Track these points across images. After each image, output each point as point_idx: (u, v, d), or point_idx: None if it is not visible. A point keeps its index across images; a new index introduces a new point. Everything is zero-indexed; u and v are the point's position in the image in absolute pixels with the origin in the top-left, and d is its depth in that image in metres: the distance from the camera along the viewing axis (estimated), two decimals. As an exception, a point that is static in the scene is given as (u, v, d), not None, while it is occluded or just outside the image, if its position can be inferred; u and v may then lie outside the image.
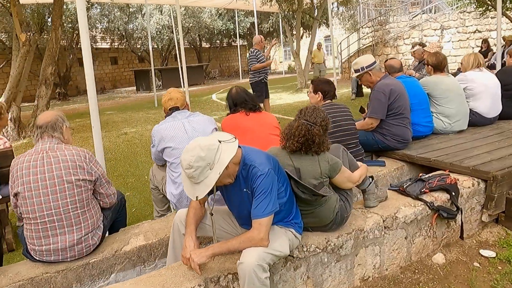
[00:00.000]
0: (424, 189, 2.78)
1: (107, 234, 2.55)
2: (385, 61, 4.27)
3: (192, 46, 24.34)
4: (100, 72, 21.46)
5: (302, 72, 13.07)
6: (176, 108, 2.87)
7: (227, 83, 20.61)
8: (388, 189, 2.96)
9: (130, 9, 18.00)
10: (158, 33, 18.41)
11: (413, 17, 16.03)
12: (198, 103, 12.31)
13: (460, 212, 2.79)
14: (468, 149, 3.55)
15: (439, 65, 4.22)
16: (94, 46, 18.72)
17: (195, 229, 2.10)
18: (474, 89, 4.36)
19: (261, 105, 7.55)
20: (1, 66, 14.41)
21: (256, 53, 7.32)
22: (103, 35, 19.24)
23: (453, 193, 2.77)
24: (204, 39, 24.82)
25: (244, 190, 1.96)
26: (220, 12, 21.60)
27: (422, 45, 6.67)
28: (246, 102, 3.06)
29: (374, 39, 16.09)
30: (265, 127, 2.98)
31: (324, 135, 2.20)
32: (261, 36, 7.56)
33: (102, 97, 17.73)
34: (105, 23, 18.06)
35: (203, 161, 1.77)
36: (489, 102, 4.35)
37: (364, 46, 16.72)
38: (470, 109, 4.39)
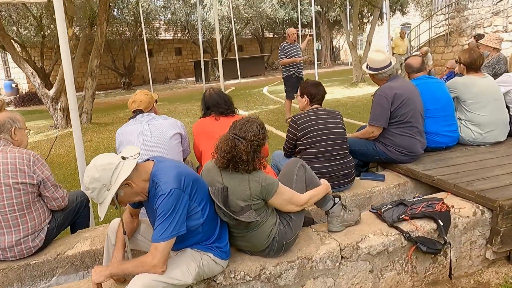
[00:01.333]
0: (403, 215, 2.35)
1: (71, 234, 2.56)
2: (404, 60, 3.72)
3: (255, 36, 24.29)
4: (164, 62, 22.50)
5: (359, 65, 12.25)
6: (140, 111, 2.77)
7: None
8: (369, 210, 2.58)
9: (191, 1, 18.47)
10: (219, 22, 18.70)
11: (498, 2, 14.10)
12: (244, 96, 12.24)
13: (448, 246, 2.32)
14: (491, 167, 2.95)
15: (473, 64, 3.56)
16: (158, 37, 19.58)
17: (122, 245, 1.99)
18: (519, 93, 3.63)
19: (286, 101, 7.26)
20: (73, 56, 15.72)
21: (284, 47, 6.99)
22: (166, 26, 20.02)
23: (441, 223, 2.30)
24: (269, 28, 24.63)
25: (155, 208, 1.80)
26: (283, 1, 21.19)
27: (479, 37, 5.77)
28: (217, 106, 2.86)
29: (449, 27, 14.50)
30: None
31: (254, 152, 1.92)
32: (293, 28, 7.18)
33: (163, 87, 18.58)
34: (168, 15, 18.77)
35: (98, 182, 1.66)
36: (538, 109, 3.59)
37: (436, 36, 15.18)
38: (514, 117, 3.68)
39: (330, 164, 2.83)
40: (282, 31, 25.05)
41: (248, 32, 23.09)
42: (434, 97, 3.40)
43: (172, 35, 20.45)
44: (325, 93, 3.03)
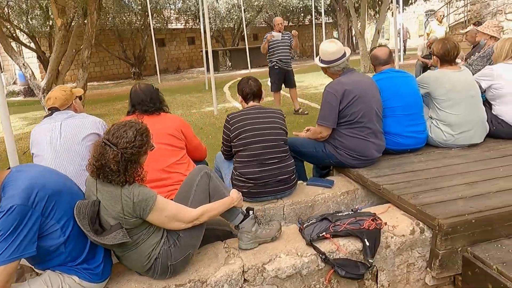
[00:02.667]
0: (324, 233, 2.05)
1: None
2: (370, 50, 3.35)
3: (269, 25, 23.73)
4: (177, 52, 22.36)
5: (367, 54, 11.68)
6: (56, 109, 2.56)
7: (303, 64, 19.69)
8: (298, 224, 2.29)
9: (201, -11, 18.17)
10: (228, 12, 18.31)
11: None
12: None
13: (375, 269, 2.01)
14: (452, 175, 2.59)
15: (447, 56, 3.15)
16: (168, 27, 19.43)
17: None
18: (501, 89, 3.20)
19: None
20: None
21: (268, 36, 6.64)
22: (177, 15, 19.81)
23: (367, 243, 1.99)
24: (284, 17, 24.01)
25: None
26: (297, -12, 20.57)
27: (479, 24, 5.23)
28: (142, 103, 2.61)
29: (468, 14, 13.61)
30: (155, 135, 2.49)
31: (128, 162, 1.67)
32: (279, 18, 6.82)
33: (173, 77, 18.50)
34: (179, 4, 18.55)
35: None
36: (522, 107, 3.15)
37: (455, 22, 14.28)
38: (495, 116, 3.26)
39: (263, 169, 2.54)
40: (297, 19, 24.44)
41: (262, 20, 22.57)
42: (398, 93, 3.03)
43: (184, 24, 20.22)
44: (256, 89, 2.72)
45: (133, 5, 15.72)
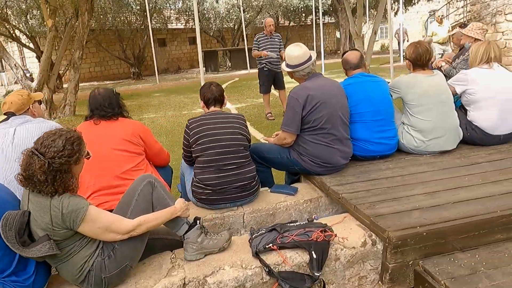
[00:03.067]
0: (271, 244, 1.99)
1: None
2: (343, 55, 3.28)
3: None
4: (178, 52, 22.38)
5: (364, 56, 11.56)
6: (12, 114, 2.53)
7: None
8: (249, 234, 2.23)
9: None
10: (227, 12, 18.27)
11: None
12: (242, 88, 11.88)
13: (321, 283, 1.96)
14: (415, 183, 2.52)
15: (418, 60, 3.08)
16: (168, 27, 19.45)
17: None
18: (475, 94, 3.12)
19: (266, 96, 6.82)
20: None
21: (258, 38, 6.61)
22: (178, 15, 19.80)
23: (314, 255, 1.93)
24: (284, 17, 23.92)
25: None
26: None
27: (464, 26, 5.13)
28: (99, 108, 2.57)
29: (467, 14, 13.43)
30: (110, 140, 2.47)
31: (57, 172, 1.63)
32: (270, 19, 6.74)
33: (173, 77, 18.51)
34: (179, 4, 18.54)
35: None
36: (497, 113, 3.06)
37: (455, 23, 14.10)
38: (470, 122, 3.18)
39: (221, 175, 2.50)
40: (299, 19, 24.32)
41: (263, 21, 22.48)
42: (367, 98, 2.96)
43: (184, 24, 20.22)
44: (218, 94, 2.67)
45: (132, 5, 15.72)
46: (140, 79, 17.98)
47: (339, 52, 27.50)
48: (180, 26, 20.47)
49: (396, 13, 23.33)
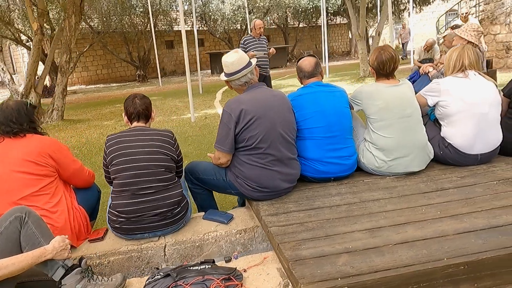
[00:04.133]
0: (160, 294, 1.66)
1: None
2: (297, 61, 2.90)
3: (279, 26, 23.30)
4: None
5: (367, 58, 11.07)
6: None
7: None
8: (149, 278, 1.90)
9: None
10: (233, 14, 18.00)
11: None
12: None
13: None
14: (360, 215, 2.14)
15: (381, 68, 2.68)
16: (173, 29, 19.34)
17: None
18: (448, 107, 2.70)
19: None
20: (85, 49, 15.92)
21: (245, 41, 6.30)
22: (185, 17, 19.66)
23: (209, 312, 1.58)
24: (294, 18, 23.49)
25: None
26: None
27: (456, 27, 4.67)
28: (5, 123, 2.28)
29: (480, 14, 12.75)
30: (10, 160, 2.18)
31: None
32: (259, 21, 6.41)
33: (178, 79, 18.41)
34: (186, 5, 18.37)
35: None
36: (472, 129, 2.64)
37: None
38: (443, 138, 2.76)
39: (136, 201, 2.18)
40: (308, 20, 23.86)
41: (272, 22, 22.13)
42: (319, 112, 2.59)
43: (191, 26, 20.05)
44: (142, 108, 2.36)
45: (136, 7, 15.64)
46: (145, 82, 17.92)
47: (351, 53, 26.90)
48: (187, 28, 20.31)
49: (409, 14, 22.57)
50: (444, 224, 1.96)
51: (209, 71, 19.96)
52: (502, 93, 2.86)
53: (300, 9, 20.52)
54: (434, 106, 2.81)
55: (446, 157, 2.74)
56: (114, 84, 18.67)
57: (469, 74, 2.68)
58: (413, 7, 20.67)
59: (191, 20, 19.82)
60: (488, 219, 1.96)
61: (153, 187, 2.20)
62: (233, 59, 2.44)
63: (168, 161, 2.28)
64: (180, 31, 21.18)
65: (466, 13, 7.55)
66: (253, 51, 6.22)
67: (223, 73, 2.57)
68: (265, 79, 6.43)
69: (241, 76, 2.44)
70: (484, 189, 2.34)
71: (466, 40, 4.00)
